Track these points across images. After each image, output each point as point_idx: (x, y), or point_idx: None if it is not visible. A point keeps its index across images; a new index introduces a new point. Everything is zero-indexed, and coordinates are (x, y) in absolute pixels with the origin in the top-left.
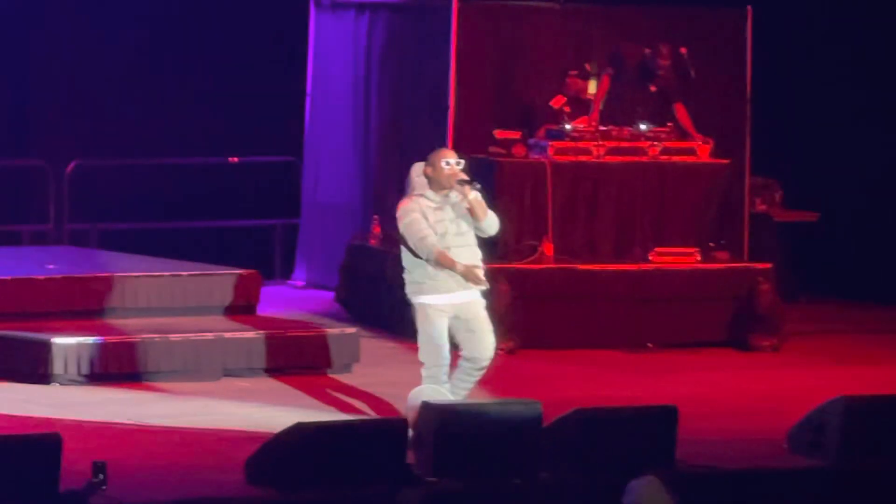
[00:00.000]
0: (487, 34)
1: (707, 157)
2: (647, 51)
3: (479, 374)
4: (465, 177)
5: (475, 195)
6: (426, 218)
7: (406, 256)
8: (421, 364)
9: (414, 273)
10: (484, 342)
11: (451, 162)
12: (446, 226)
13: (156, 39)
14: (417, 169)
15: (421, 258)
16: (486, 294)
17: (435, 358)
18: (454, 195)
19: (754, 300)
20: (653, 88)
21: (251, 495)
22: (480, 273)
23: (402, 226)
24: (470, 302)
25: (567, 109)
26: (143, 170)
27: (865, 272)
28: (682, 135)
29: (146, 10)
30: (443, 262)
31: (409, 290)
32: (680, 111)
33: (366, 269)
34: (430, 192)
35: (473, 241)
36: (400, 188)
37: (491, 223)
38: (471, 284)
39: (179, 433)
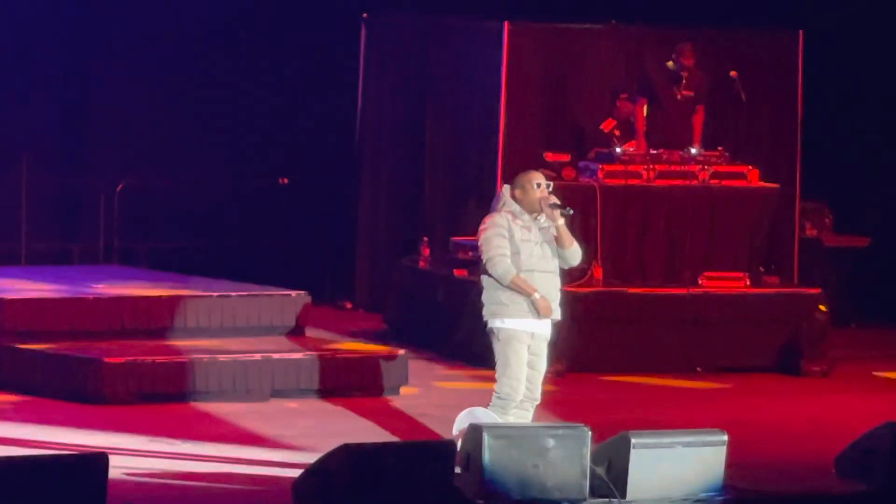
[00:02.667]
0: (538, 55)
1: (757, 181)
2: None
3: (531, 411)
4: (556, 200)
5: (563, 222)
6: (512, 236)
7: (487, 276)
8: (495, 392)
9: (496, 293)
10: (539, 384)
11: (541, 184)
12: (532, 247)
13: (206, 61)
14: (507, 189)
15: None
16: (555, 327)
17: (513, 391)
18: (542, 219)
19: (804, 325)
20: (681, 95)
21: None
22: (555, 306)
23: (482, 238)
24: (542, 335)
25: (617, 133)
26: (193, 190)
27: None
28: (731, 159)
29: (196, 33)
30: (520, 287)
31: (487, 311)
32: (698, 116)
33: (415, 291)
34: (520, 211)
35: (556, 268)
36: (450, 208)
37: (575, 253)
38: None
39: (229, 454)
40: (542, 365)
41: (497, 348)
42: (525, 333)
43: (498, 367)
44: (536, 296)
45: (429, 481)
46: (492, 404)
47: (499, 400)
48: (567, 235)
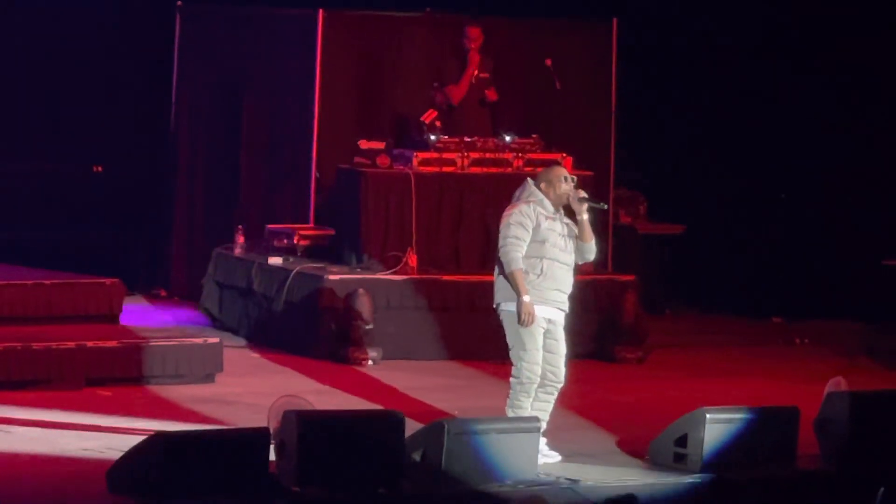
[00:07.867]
0: (353, 43)
1: (571, 168)
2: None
3: (555, 395)
4: (584, 194)
5: (587, 216)
6: (538, 225)
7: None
8: (514, 377)
9: None
10: (562, 366)
11: (567, 178)
12: (556, 238)
13: (16, 45)
14: (531, 183)
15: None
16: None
17: (533, 374)
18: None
19: (619, 312)
20: (477, 78)
21: None
22: (566, 297)
23: (506, 223)
24: (558, 321)
25: (438, 124)
26: (5, 178)
27: (729, 284)
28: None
29: (8, 16)
30: (515, 280)
31: (502, 294)
32: (492, 95)
33: (230, 279)
34: (547, 203)
35: (573, 262)
36: (266, 196)
37: (592, 247)
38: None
39: (42, 441)
40: (563, 348)
41: (511, 331)
42: (542, 318)
43: (514, 351)
44: (526, 298)
45: (244, 469)
46: (512, 391)
47: (520, 385)
48: (589, 230)
